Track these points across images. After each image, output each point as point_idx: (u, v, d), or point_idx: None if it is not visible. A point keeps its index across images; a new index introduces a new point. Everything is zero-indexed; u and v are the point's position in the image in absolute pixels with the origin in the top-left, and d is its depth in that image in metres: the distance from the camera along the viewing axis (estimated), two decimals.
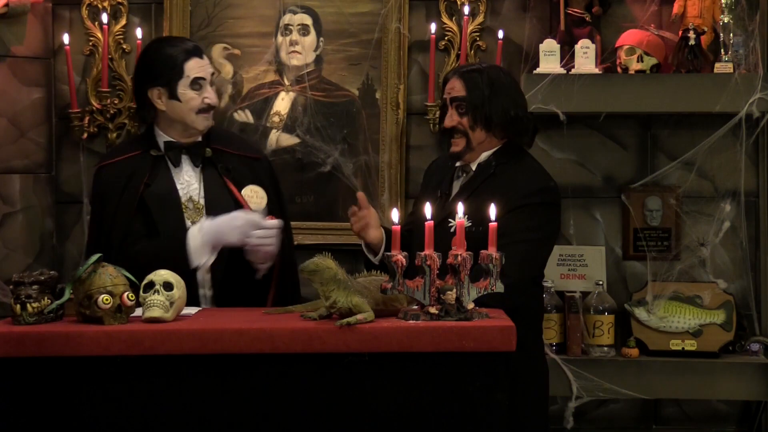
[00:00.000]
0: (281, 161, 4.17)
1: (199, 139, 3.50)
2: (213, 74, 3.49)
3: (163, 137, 3.48)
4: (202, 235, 3.33)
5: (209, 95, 3.43)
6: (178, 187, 3.45)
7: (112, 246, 3.35)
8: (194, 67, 3.41)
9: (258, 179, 3.53)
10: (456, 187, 3.41)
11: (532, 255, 3.24)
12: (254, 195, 3.50)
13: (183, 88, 3.40)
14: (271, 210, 3.51)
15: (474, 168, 3.37)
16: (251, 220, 3.36)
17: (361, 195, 3.41)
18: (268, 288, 3.46)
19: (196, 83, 3.41)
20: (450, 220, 3.08)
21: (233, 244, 3.35)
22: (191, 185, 3.47)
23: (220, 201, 3.45)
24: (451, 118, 3.38)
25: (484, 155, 3.36)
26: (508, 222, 3.13)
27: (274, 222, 3.39)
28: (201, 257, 3.33)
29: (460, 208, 2.88)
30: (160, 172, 3.45)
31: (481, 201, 3.11)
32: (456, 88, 3.38)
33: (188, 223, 3.41)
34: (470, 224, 2.96)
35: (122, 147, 3.77)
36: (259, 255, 3.38)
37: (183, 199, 3.45)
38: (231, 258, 3.40)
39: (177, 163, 3.47)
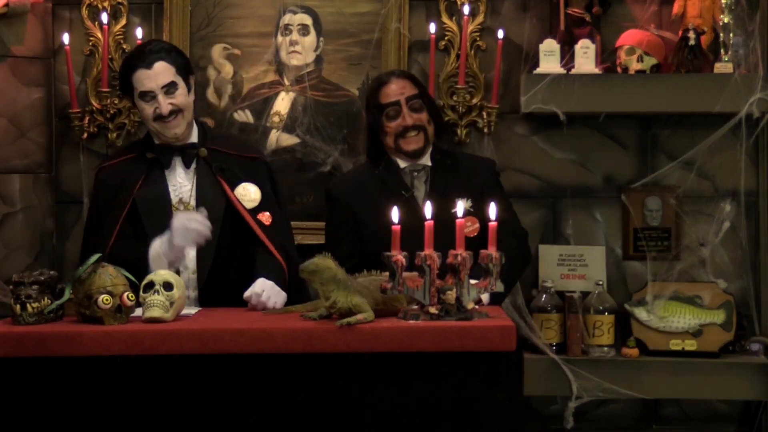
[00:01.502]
0: (281, 161, 4.17)
1: (194, 140, 3.52)
2: (170, 83, 3.44)
3: (157, 140, 3.52)
4: (159, 244, 3.33)
5: (161, 105, 3.43)
6: (170, 189, 3.48)
7: (103, 247, 3.36)
8: (140, 80, 3.45)
9: (253, 178, 3.54)
10: (420, 185, 3.61)
11: (516, 216, 3.74)
12: (246, 193, 3.52)
13: (137, 100, 3.48)
14: (269, 209, 3.52)
15: (430, 163, 3.64)
16: (198, 219, 3.32)
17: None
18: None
19: (146, 95, 3.45)
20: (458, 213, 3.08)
21: (185, 251, 3.33)
22: (183, 186, 3.50)
23: (211, 200, 3.46)
24: (410, 117, 3.61)
25: (429, 152, 3.65)
26: (493, 195, 3.42)
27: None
28: (160, 267, 3.27)
29: (460, 206, 2.88)
30: (154, 174, 3.49)
31: (463, 189, 3.41)
32: (407, 87, 3.65)
33: None
34: (471, 204, 3.03)
35: (121, 150, 3.84)
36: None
37: (174, 201, 3.48)
38: (216, 259, 3.42)
39: (168, 165, 3.50)
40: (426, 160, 3.64)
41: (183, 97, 3.48)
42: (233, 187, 3.50)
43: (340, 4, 4.25)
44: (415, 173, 3.62)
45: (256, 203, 3.51)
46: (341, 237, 3.59)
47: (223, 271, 3.44)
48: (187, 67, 3.54)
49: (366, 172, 3.71)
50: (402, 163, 3.64)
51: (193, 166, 3.52)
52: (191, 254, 3.42)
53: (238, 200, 3.49)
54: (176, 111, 3.45)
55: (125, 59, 3.59)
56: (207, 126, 3.71)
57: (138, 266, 3.22)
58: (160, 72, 3.45)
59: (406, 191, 3.57)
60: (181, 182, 3.50)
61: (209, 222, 3.33)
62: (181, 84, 3.47)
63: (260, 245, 3.45)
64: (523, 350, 3.98)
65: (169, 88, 3.45)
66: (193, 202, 3.47)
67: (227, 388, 2.77)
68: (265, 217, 3.50)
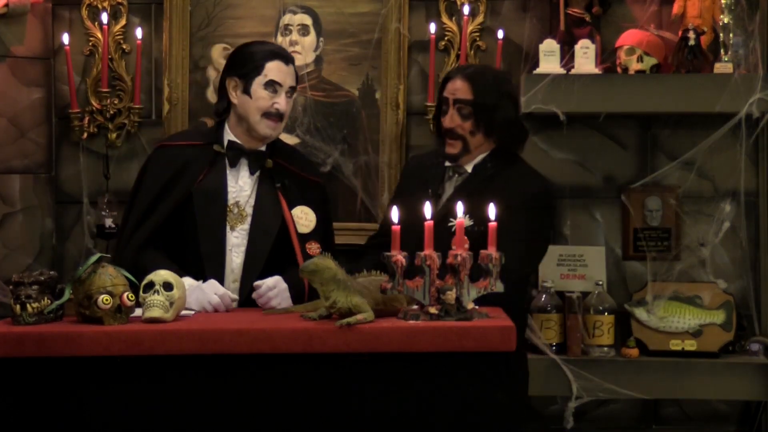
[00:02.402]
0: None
1: (263, 148, 3.45)
2: (293, 88, 3.43)
3: (228, 135, 3.45)
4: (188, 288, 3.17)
5: (280, 102, 3.38)
6: (229, 189, 3.41)
7: (147, 229, 3.33)
8: (274, 69, 3.38)
9: (311, 202, 3.48)
10: (449, 188, 3.43)
11: (530, 254, 3.32)
12: (304, 216, 3.44)
13: (257, 86, 3.37)
14: (318, 235, 3.45)
15: (470, 170, 3.40)
16: (216, 293, 3.22)
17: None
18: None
19: (271, 86, 3.37)
20: (451, 219, 3.08)
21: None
22: (243, 191, 3.42)
23: (268, 214, 3.41)
24: (452, 120, 3.40)
25: (480, 157, 3.41)
26: (508, 221, 3.12)
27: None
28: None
29: (460, 207, 2.89)
30: (216, 168, 3.42)
31: (480, 201, 3.12)
32: (461, 89, 3.39)
33: (227, 227, 3.38)
34: (471, 223, 2.97)
35: (186, 134, 3.76)
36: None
37: (229, 203, 3.40)
38: (262, 275, 3.34)
39: (234, 164, 3.43)
40: (469, 166, 3.42)
41: (291, 106, 3.46)
42: (291, 206, 3.43)
43: (340, 4, 4.26)
44: (452, 174, 3.46)
45: (309, 229, 3.43)
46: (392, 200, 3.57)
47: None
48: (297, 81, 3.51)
49: (433, 154, 3.57)
50: (448, 161, 3.48)
51: (257, 174, 3.45)
52: (236, 262, 3.38)
53: (293, 221, 3.42)
54: (283, 115, 3.42)
55: (258, 45, 3.49)
56: (278, 139, 3.56)
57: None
58: (292, 74, 3.43)
59: (434, 189, 3.44)
60: (241, 186, 3.42)
61: (230, 302, 3.24)
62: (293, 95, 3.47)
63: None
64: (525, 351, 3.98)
65: (291, 92, 3.43)
66: (248, 210, 3.40)
67: (227, 388, 2.77)
68: (314, 247, 3.40)
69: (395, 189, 3.76)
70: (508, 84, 3.46)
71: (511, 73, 3.79)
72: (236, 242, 3.40)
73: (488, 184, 3.33)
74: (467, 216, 2.89)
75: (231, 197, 3.41)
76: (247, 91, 3.38)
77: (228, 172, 3.42)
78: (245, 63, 3.40)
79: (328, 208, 3.61)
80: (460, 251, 2.82)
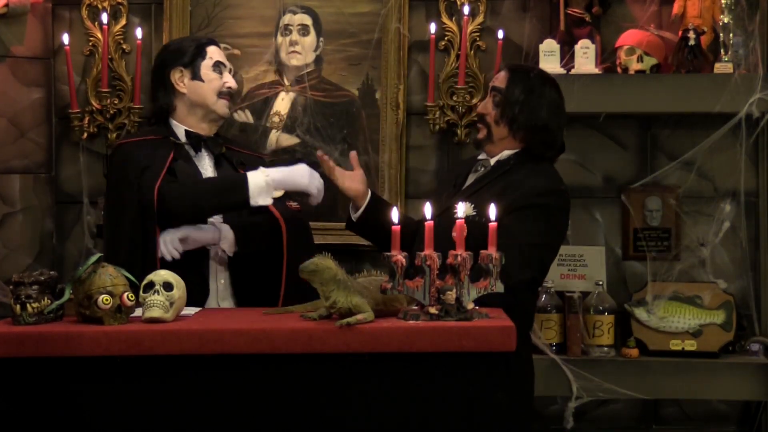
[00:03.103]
0: (281, 161, 4.17)
1: (215, 134, 3.55)
2: (232, 67, 3.60)
3: (180, 128, 3.50)
4: (267, 175, 3.36)
5: (230, 80, 3.52)
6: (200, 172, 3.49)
7: (143, 196, 3.30)
8: (215, 51, 3.53)
9: None
10: (470, 179, 3.42)
11: (535, 259, 3.22)
12: None
13: (206, 69, 3.48)
14: (294, 200, 3.57)
15: (492, 163, 3.39)
16: (316, 174, 3.45)
17: (353, 154, 3.59)
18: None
19: (218, 66, 3.50)
20: (456, 209, 3.06)
21: (302, 188, 3.42)
22: (208, 175, 3.49)
23: None
24: (485, 105, 3.41)
25: (506, 153, 3.38)
26: (515, 221, 3.13)
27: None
28: (261, 197, 3.36)
29: (460, 207, 2.88)
30: (183, 156, 3.48)
31: (489, 195, 3.13)
32: (500, 78, 3.40)
33: None
34: (474, 213, 2.98)
35: (140, 133, 3.81)
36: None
37: None
38: (252, 275, 3.42)
39: (198, 150, 3.50)
40: (494, 160, 3.39)
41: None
42: None
43: (340, 4, 4.26)
44: (478, 168, 3.43)
45: (281, 193, 3.49)
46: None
47: (257, 286, 3.45)
48: None
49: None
50: (483, 154, 3.46)
51: (214, 160, 3.53)
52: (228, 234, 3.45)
53: None
54: (233, 93, 3.58)
55: (187, 37, 3.82)
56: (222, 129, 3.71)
57: (231, 190, 3.35)
58: (227, 56, 3.62)
59: (459, 182, 3.44)
60: (204, 172, 3.49)
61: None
62: None
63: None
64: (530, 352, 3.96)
65: (233, 72, 3.60)
66: None
67: (227, 388, 2.77)
68: (294, 205, 3.53)
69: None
70: (550, 89, 3.38)
71: (557, 83, 3.68)
72: (216, 219, 3.45)
73: (502, 179, 3.31)
74: (472, 206, 2.89)
75: None
76: (196, 76, 3.48)
77: (194, 159, 3.49)
78: (184, 53, 3.51)
79: None
80: (461, 251, 2.82)
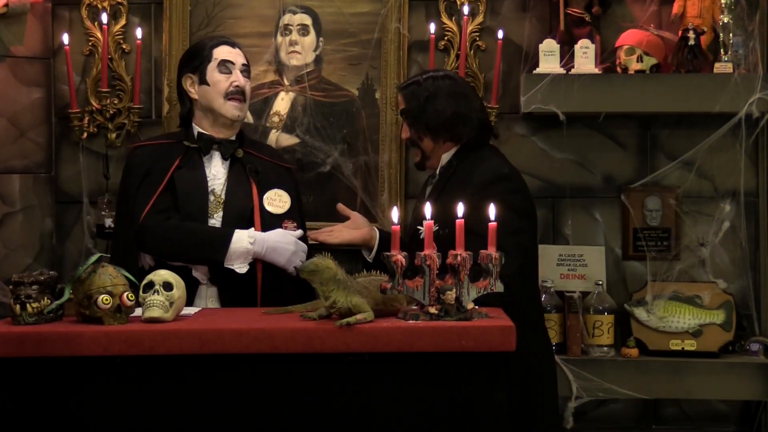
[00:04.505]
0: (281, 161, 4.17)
1: (233, 138, 3.55)
2: (246, 65, 3.56)
3: (196, 130, 3.53)
4: (252, 243, 3.36)
5: (238, 79, 3.49)
6: (207, 176, 3.49)
7: (133, 220, 3.39)
8: (222, 51, 3.52)
9: (284, 186, 3.58)
10: (428, 192, 3.50)
11: (510, 245, 3.08)
12: (278, 198, 3.54)
13: (211, 71, 3.49)
14: (293, 216, 3.54)
15: (438, 171, 3.47)
16: (302, 247, 3.44)
17: (340, 207, 3.66)
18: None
19: (224, 65, 3.49)
20: (419, 227, 3.15)
21: (278, 265, 3.39)
22: (217, 179, 3.50)
23: (240, 199, 3.49)
24: (404, 131, 3.54)
25: (445, 157, 3.46)
26: (475, 220, 2.99)
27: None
28: (238, 261, 3.36)
29: (428, 208, 2.87)
30: (192, 160, 3.50)
31: (445, 202, 3.19)
32: (400, 102, 3.53)
33: (209, 213, 3.46)
34: (437, 228, 2.95)
35: (158, 136, 3.85)
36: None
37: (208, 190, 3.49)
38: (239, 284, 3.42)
39: (207, 152, 3.51)
40: (438, 168, 3.49)
41: (249, 85, 3.57)
42: (263, 192, 3.52)
43: (340, 4, 4.25)
44: (430, 181, 3.55)
45: (284, 210, 3.51)
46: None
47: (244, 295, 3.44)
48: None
49: None
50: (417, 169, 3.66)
51: (228, 162, 3.53)
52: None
53: (267, 203, 3.51)
54: (245, 93, 3.52)
55: (202, 39, 3.72)
56: (245, 134, 3.68)
57: (208, 247, 3.35)
58: (242, 54, 3.58)
59: (421, 197, 3.56)
60: (215, 174, 3.50)
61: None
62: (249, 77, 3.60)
63: None
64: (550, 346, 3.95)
65: (245, 70, 3.56)
66: (224, 197, 3.48)
67: (227, 388, 2.77)
68: (291, 225, 3.50)
69: None
70: (443, 81, 3.45)
71: (448, 71, 3.79)
72: None
73: (448, 183, 3.40)
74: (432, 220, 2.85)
75: (209, 185, 3.48)
76: (203, 80, 3.50)
77: (203, 161, 3.50)
78: (194, 58, 3.54)
79: (299, 192, 3.71)
80: (460, 251, 2.82)
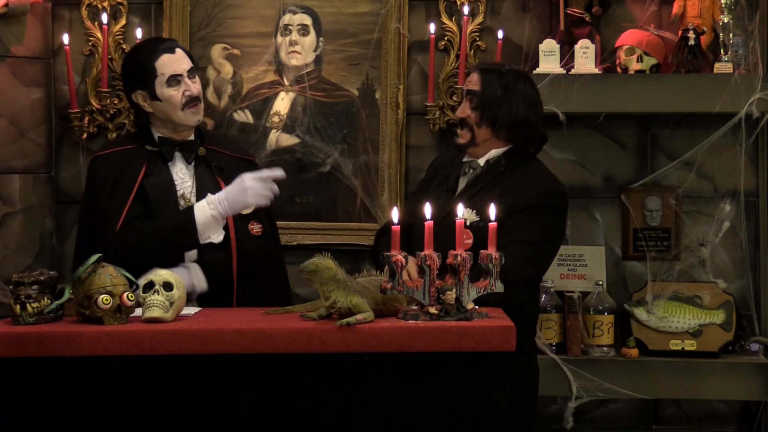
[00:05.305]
0: (281, 161, 4.17)
1: (192, 137, 3.53)
2: (191, 68, 3.49)
3: (156, 134, 3.52)
4: (213, 208, 3.35)
5: (189, 87, 3.45)
6: (174, 180, 3.48)
7: (107, 233, 3.37)
8: (166, 64, 3.44)
9: None
10: (462, 183, 3.41)
11: (537, 255, 3.25)
12: None
13: (160, 88, 3.44)
14: (262, 221, 3.52)
15: (482, 164, 3.38)
16: (259, 177, 3.37)
17: None
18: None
19: (173, 80, 3.43)
20: (457, 214, 3.07)
21: (251, 207, 3.39)
22: (185, 182, 3.49)
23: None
24: (463, 110, 3.40)
25: (493, 153, 3.37)
26: (516, 221, 3.16)
27: (276, 172, 3.43)
28: (211, 231, 3.36)
29: (460, 208, 2.88)
30: (157, 165, 3.48)
31: (489, 198, 3.12)
32: (473, 81, 3.40)
33: None
34: (478, 219, 2.98)
35: (117, 141, 3.84)
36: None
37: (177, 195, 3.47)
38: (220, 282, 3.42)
39: (170, 158, 3.49)
40: (482, 160, 3.39)
41: (200, 85, 3.51)
42: None
43: (340, 4, 4.26)
44: (467, 171, 3.43)
45: (251, 209, 3.47)
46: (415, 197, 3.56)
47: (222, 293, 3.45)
48: (194, 60, 3.59)
49: (457, 154, 3.53)
50: (467, 156, 3.46)
51: (193, 163, 3.52)
52: (192, 251, 3.43)
53: None
54: (199, 96, 3.48)
55: (138, 51, 3.54)
56: (203, 126, 3.69)
57: (179, 234, 3.34)
58: (182, 57, 3.49)
59: (450, 185, 3.43)
60: (182, 177, 3.49)
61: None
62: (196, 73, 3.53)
63: None
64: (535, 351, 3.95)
65: (191, 74, 3.49)
66: (194, 199, 3.46)
67: (227, 388, 2.77)
68: (256, 228, 3.50)
69: (417, 185, 3.74)
70: (524, 84, 3.39)
71: (530, 77, 3.60)
72: (191, 255, 3.43)
73: (499, 181, 3.32)
74: (474, 212, 2.89)
75: (177, 191, 3.47)
76: (155, 97, 3.45)
77: (168, 167, 3.48)
78: (138, 74, 3.46)
79: None
80: (460, 251, 2.82)
